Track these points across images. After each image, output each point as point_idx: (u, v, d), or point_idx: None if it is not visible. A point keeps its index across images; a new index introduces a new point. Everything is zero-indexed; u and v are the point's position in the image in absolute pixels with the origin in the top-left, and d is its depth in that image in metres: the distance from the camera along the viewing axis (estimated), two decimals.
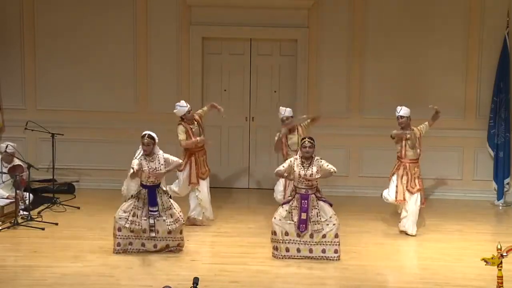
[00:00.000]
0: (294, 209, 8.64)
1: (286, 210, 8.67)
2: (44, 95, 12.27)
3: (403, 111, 9.82)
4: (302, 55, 12.07)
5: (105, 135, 12.18)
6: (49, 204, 10.86)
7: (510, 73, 11.69)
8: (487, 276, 7.64)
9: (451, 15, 11.84)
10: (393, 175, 9.86)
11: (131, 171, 8.59)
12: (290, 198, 8.78)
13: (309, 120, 10.11)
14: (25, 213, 10.06)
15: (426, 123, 9.94)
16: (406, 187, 9.73)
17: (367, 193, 11.72)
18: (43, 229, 9.64)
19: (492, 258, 6.56)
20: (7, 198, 10.24)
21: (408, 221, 9.69)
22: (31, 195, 10.39)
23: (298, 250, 8.66)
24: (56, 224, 9.90)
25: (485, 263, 6.62)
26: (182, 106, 10.00)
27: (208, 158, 12.35)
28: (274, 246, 8.74)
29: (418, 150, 9.81)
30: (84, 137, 12.19)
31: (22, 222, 9.79)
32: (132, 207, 8.71)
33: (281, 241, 8.65)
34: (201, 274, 7.32)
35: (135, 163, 8.61)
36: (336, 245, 8.65)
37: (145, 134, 8.77)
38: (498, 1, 11.77)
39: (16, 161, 10.45)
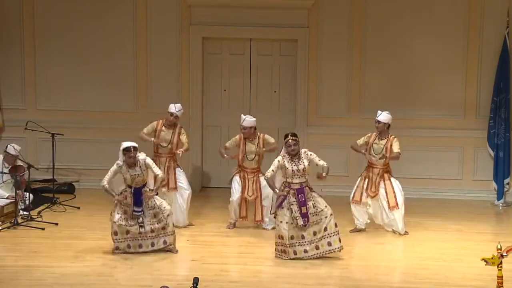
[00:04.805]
0: (292, 204, 8.62)
1: (288, 209, 8.65)
2: (44, 95, 12.27)
3: (382, 116, 9.77)
4: (302, 55, 12.07)
5: (105, 135, 12.16)
6: (49, 204, 10.86)
7: (510, 73, 11.69)
8: (487, 276, 7.63)
9: (451, 15, 11.84)
10: (360, 175, 9.93)
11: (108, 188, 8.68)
12: (282, 197, 8.68)
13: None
14: (25, 213, 10.06)
15: (395, 150, 9.67)
16: (366, 189, 9.76)
17: None
18: (43, 229, 9.64)
19: (492, 258, 6.56)
20: (7, 198, 10.24)
21: (395, 220, 9.73)
22: (31, 195, 10.39)
23: (305, 251, 8.65)
24: (56, 224, 9.90)
25: (485, 263, 6.62)
26: (174, 107, 10.00)
27: (208, 158, 12.42)
28: (281, 250, 8.68)
29: (383, 160, 9.74)
30: (84, 137, 12.19)
31: (22, 222, 9.79)
32: (119, 205, 8.71)
33: (288, 245, 8.61)
34: (201, 274, 7.32)
35: (112, 170, 8.72)
36: (338, 234, 8.68)
37: (130, 148, 8.69)
38: (498, 1, 11.77)
39: (18, 162, 10.45)
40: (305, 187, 8.67)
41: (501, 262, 6.55)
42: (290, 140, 8.67)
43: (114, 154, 12.07)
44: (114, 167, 8.73)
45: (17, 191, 9.91)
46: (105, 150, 12.10)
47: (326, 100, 12.12)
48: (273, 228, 9.56)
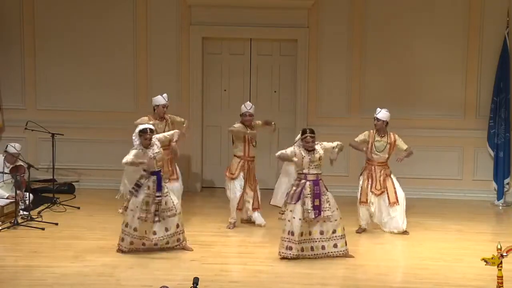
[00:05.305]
0: (307, 197, 8.57)
1: (301, 205, 8.58)
2: (44, 95, 12.27)
3: (381, 114, 9.82)
4: (302, 55, 12.07)
5: (105, 135, 12.17)
6: (49, 204, 10.86)
7: (510, 73, 11.69)
8: (487, 276, 7.64)
9: (451, 15, 11.84)
10: (360, 176, 9.91)
11: (136, 161, 8.58)
12: (298, 190, 8.61)
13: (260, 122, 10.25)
14: (25, 213, 10.06)
15: (405, 148, 9.83)
16: (371, 189, 9.76)
17: None
18: (43, 229, 9.64)
19: (492, 258, 6.56)
20: (7, 198, 10.24)
21: (392, 220, 9.76)
22: (31, 195, 10.39)
23: (312, 249, 8.65)
24: (56, 224, 9.90)
25: (485, 263, 6.62)
26: (163, 98, 10.08)
27: (208, 158, 12.43)
28: (288, 246, 8.60)
29: (386, 155, 9.79)
30: (84, 137, 12.19)
31: (22, 222, 9.79)
32: (145, 196, 8.67)
33: (297, 241, 8.56)
34: (201, 274, 7.32)
35: (131, 153, 8.61)
36: (344, 237, 8.71)
37: (147, 129, 8.71)
38: (498, 1, 11.77)
39: (19, 162, 10.45)
40: (320, 179, 8.67)
41: (501, 262, 6.55)
42: (308, 137, 8.67)
43: (114, 154, 12.12)
44: (135, 150, 8.68)
45: (17, 191, 9.91)
46: (105, 150, 12.13)
47: (326, 100, 12.12)
48: (265, 225, 9.76)
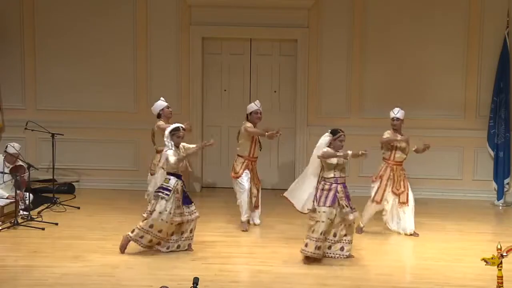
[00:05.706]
0: (341, 199, 8.54)
1: (335, 208, 8.50)
2: (44, 95, 12.27)
3: (400, 113, 9.81)
4: (302, 55, 12.07)
5: (105, 135, 12.18)
6: (49, 204, 10.86)
7: (510, 73, 11.70)
8: (487, 276, 7.63)
9: (451, 15, 11.86)
10: (380, 177, 9.87)
11: (175, 158, 8.53)
12: (331, 193, 8.51)
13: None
14: (25, 213, 10.06)
15: (413, 149, 9.87)
16: (392, 188, 9.75)
17: (367, 193, 11.64)
18: (43, 229, 9.63)
19: (492, 258, 6.56)
20: (7, 198, 10.24)
21: (402, 220, 9.76)
22: (31, 195, 10.39)
23: (318, 248, 8.65)
24: (56, 224, 9.89)
25: (485, 263, 6.62)
26: (160, 102, 10.05)
27: (209, 158, 12.43)
28: (317, 246, 8.50)
29: (405, 155, 9.80)
30: (84, 137, 12.19)
31: (22, 222, 9.78)
32: (174, 200, 8.61)
33: (322, 239, 8.54)
34: (201, 274, 7.32)
35: (171, 153, 8.56)
36: (352, 242, 8.72)
37: (179, 127, 8.67)
38: (498, 1, 11.78)
39: (19, 162, 10.45)
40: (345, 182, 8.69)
41: (501, 262, 6.55)
42: (342, 136, 8.69)
43: (114, 154, 12.15)
44: (170, 150, 8.57)
45: (17, 191, 9.91)
46: (105, 150, 12.14)
47: (326, 100, 12.13)
48: (259, 224, 9.88)
